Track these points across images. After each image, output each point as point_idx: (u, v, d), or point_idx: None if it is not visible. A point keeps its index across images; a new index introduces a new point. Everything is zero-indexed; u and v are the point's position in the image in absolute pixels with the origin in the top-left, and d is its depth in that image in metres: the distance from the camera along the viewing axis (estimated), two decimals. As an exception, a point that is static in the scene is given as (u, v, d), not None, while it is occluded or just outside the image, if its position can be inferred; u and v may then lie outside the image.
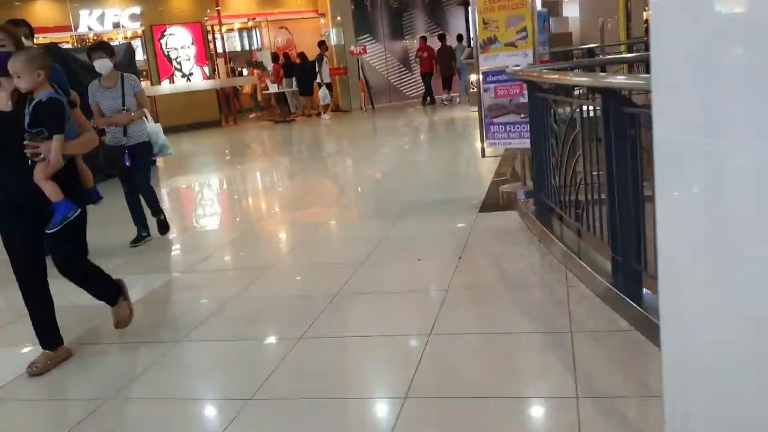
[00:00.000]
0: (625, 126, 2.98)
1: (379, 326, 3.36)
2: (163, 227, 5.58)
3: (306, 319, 3.44)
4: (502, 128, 5.36)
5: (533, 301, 3.52)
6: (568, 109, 4.00)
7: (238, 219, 6.69)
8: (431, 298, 3.65)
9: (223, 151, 12.61)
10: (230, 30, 17.31)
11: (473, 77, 13.10)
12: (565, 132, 3.96)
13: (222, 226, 6.43)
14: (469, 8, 19.37)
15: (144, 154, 5.28)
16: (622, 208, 3.14)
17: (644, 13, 20.51)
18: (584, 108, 3.50)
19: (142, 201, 5.42)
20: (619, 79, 2.78)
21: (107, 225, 5.44)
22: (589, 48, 10.92)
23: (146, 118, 5.35)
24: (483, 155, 5.88)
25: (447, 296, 3.59)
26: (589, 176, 3.66)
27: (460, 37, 16.83)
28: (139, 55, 15.42)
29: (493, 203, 5.48)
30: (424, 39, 16.55)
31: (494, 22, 5.18)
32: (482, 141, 5.59)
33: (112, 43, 13.55)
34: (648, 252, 2.98)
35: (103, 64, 5.04)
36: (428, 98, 16.33)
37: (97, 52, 5.05)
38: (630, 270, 3.22)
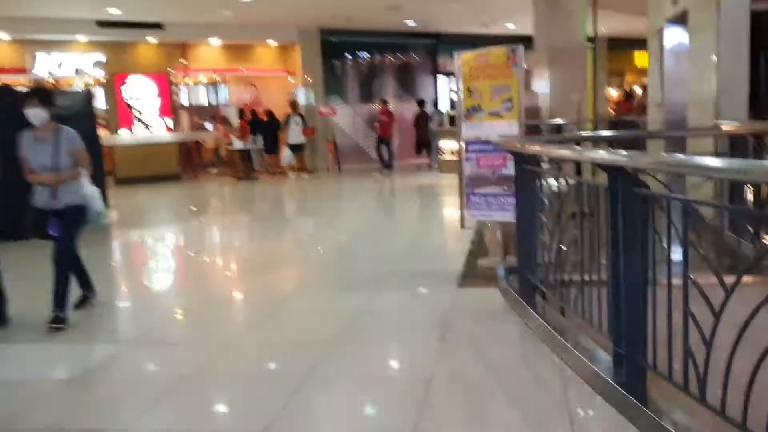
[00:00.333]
0: (636, 208, 2.71)
1: (353, 426, 2.93)
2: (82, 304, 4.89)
3: (267, 411, 2.99)
4: (483, 199, 5.09)
5: (528, 400, 3.12)
6: (554, 182, 3.76)
7: (192, 285, 6.12)
8: (412, 392, 3.22)
9: (181, 208, 12.10)
10: (197, 83, 17.05)
11: (454, 146, 13.00)
12: (557, 208, 3.70)
13: (174, 293, 5.91)
14: (440, 76, 19.77)
15: (74, 219, 4.56)
16: (629, 297, 2.83)
17: (609, 91, 21.23)
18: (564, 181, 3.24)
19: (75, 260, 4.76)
20: (644, 159, 2.51)
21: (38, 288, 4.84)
22: (558, 124, 10.99)
23: (86, 179, 4.66)
24: (462, 226, 5.59)
25: (429, 390, 3.18)
26: (580, 255, 3.39)
27: (436, 104, 17.10)
28: (101, 104, 15.02)
29: (472, 277, 5.16)
30: (384, 102, 16.29)
31: (479, 90, 4.98)
32: (462, 211, 5.30)
33: (72, 89, 13.17)
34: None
35: (35, 114, 4.38)
36: (384, 165, 15.60)
37: (31, 100, 4.39)
38: (636, 367, 2.90)
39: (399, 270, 5.70)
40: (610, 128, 12.88)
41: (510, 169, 4.78)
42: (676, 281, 2.48)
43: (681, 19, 6.64)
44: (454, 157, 13.01)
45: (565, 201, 3.69)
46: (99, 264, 6.54)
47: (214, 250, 7.90)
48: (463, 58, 5.05)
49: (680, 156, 2.39)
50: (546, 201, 3.94)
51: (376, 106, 18.15)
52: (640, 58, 22.09)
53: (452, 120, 13.83)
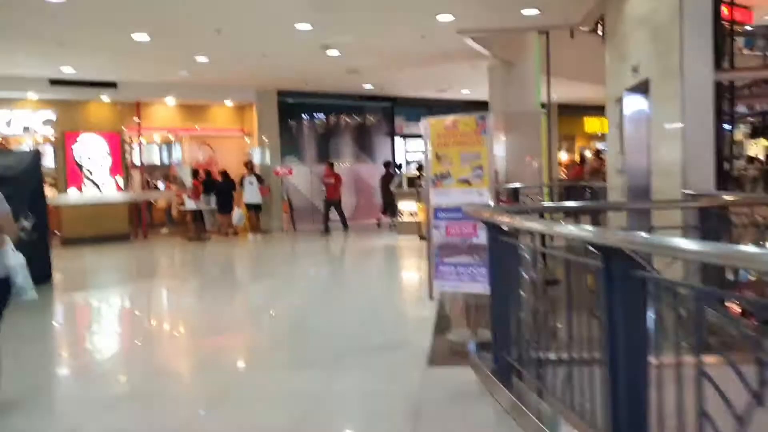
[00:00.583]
0: (635, 292, 2.51)
1: None
2: None
3: None
4: (453, 269, 4.85)
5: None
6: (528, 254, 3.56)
7: (131, 361, 5.55)
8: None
9: (128, 270, 11.51)
10: (150, 141, 16.65)
11: (413, 207, 12.86)
12: (534, 279, 3.49)
13: (113, 370, 5.34)
14: (397, 138, 19.89)
15: None
16: (630, 389, 2.59)
17: (560, 155, 21.70)
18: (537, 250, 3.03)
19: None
20: (643, 240, 2.31)
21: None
22: (515, 188, 10.98)
23: (9, 248, 4.14)
24: (431, 297, 5.32)
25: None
26: (565, 332, 3.17)
27: (399, 166, 17.57)
28: (50, 162, 14.45)
29: (441, 353, 4.86)
30: (330, 165, 16.02)
31: (448, 157, 4.82)
32: (430, 281, 5.05)
33: (20, 148, 12.63)
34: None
35: None
36: (329, 229, 15.29)
37: None
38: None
39: (361, 344, 5.35)
40: (564, 193, 13.02)
41: (481, 238, 4.59)
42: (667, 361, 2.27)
43: (642, 88, 6.71)
44: (413, 219, 12.88)
45: (541, 271, 3.49)
46: (28, 335, 6.01)
47: (159, 318, 7.41)
48: (431, 124, 4.91)
49: (683, 241, 2.20)
50: (522, 272, 3.73)
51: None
52: (590, 123, 22.81)
53: (410, 182, 13.77)
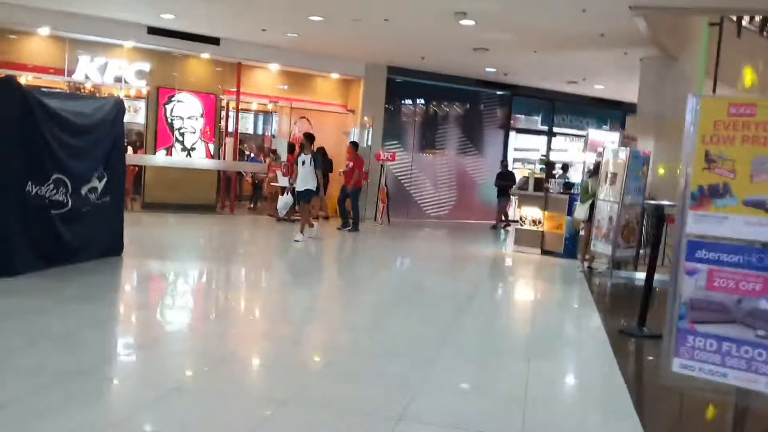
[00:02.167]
0: None
1: None
2: None
3: None
4: (712, 343, 3.00)
5: None
6: None
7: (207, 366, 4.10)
8: None
9: (210, 249, 10.21)
10: (246, 110, 15.39)
11: (537, 214, 10.84)
12: None
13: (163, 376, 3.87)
14: (512, 133, 17.89)
15: None
16: None
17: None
18: None
19: None
20: None
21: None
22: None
23: None
24: (668, 379, 3.34)
25: None
26: None
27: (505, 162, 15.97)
28: (140, 118, 13.44)
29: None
30: (354, 145, 13.09)
31: (729, 161, 2.96)
32: (668, 356, 3.18)
33: (108, 99, 11.52)
34: None
35: None
36: (349, 223, 12.58)
37: None
38: None
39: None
40: None
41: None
42: None
43: None
44: (538, 228, 10.97)
45: None
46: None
47: (231, 319, 5.87)
48: (704, 103, 3.06)
49: None
50: None
51: (436, 158, 16.35)
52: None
53: (538, 183, 11.83)
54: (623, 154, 8.19)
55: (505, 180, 14.79)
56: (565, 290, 8.27)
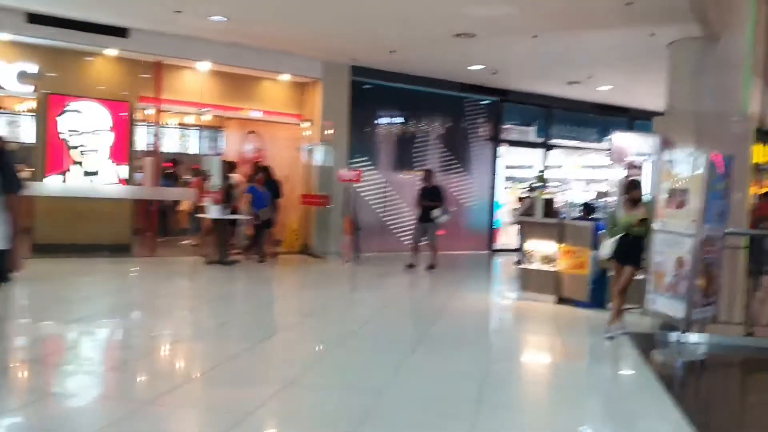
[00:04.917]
0: None
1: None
2: None
3: None
4: None
5: None
6: None
7: None
8: None
9: (120, 310, 7.10)
10: (170, 120, 12.35)
11: (552, 249, 7.74)
12: None
13: None
14: (500, 148, 15.06)
15: None
16: None
17: None
18: None
19: None
20: None
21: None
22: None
23: None
24: None
25: None
26: None
27: None
28: (29, 135, 10.38)
29: None
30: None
31: None
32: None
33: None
34: None
35: None
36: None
37: None
38: None
39: None
40: None
41: None
42: None
43: None
44: (549, 267, 8.03)
45: None
46: None
47: None
48: None
49: None
50: None
51: (413, 177, 13.36)
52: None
53: (548, 206, 8.91)
54: (701, 161, 5.25)
55: (430, 199, 11.04)
56: (614, 381, 5.28)
